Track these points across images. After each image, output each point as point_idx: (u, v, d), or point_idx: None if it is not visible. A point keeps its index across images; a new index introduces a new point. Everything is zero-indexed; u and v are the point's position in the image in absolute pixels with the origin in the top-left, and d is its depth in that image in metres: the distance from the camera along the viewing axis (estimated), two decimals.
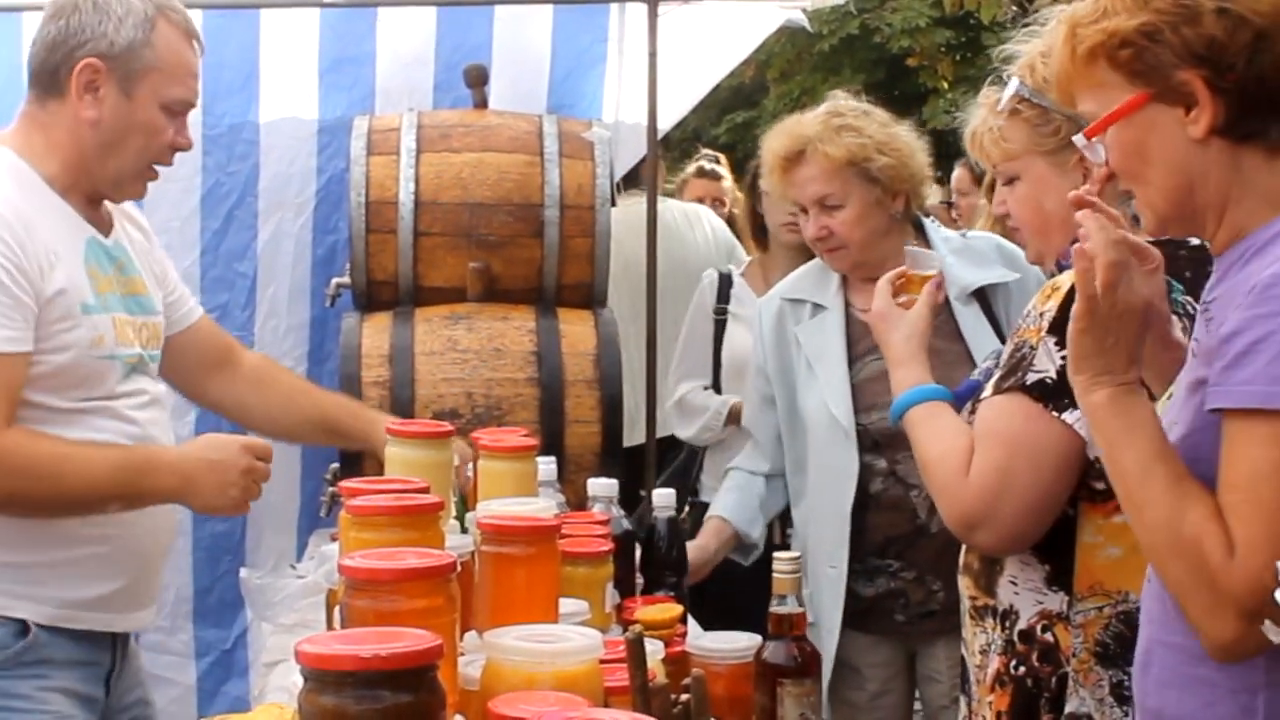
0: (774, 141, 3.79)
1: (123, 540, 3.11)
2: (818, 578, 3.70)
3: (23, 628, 3.00)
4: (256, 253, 5.03)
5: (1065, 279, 2.56)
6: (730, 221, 7.00)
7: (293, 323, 5.06)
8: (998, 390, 2.58)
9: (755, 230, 5.15)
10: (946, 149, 6.24)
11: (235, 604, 4.98)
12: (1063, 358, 2.47)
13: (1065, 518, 2.56)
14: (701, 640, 2.61)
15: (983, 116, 2.87)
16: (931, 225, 3.93)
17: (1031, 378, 2.53)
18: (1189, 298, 2.51)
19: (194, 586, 5.04)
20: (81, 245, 3.07)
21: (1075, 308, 2.14)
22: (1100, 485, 2.48)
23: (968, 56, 19.35)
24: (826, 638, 3.66)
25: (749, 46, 5.50)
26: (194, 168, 4.99)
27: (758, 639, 2.58)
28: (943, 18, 16.94)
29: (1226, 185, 2.09)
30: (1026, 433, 2.53)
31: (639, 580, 3.13)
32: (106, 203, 3.22)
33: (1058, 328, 2.50)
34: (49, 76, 3.09)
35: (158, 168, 3.22)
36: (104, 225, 3.18)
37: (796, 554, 2.62)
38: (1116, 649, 2.52)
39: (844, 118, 3.75)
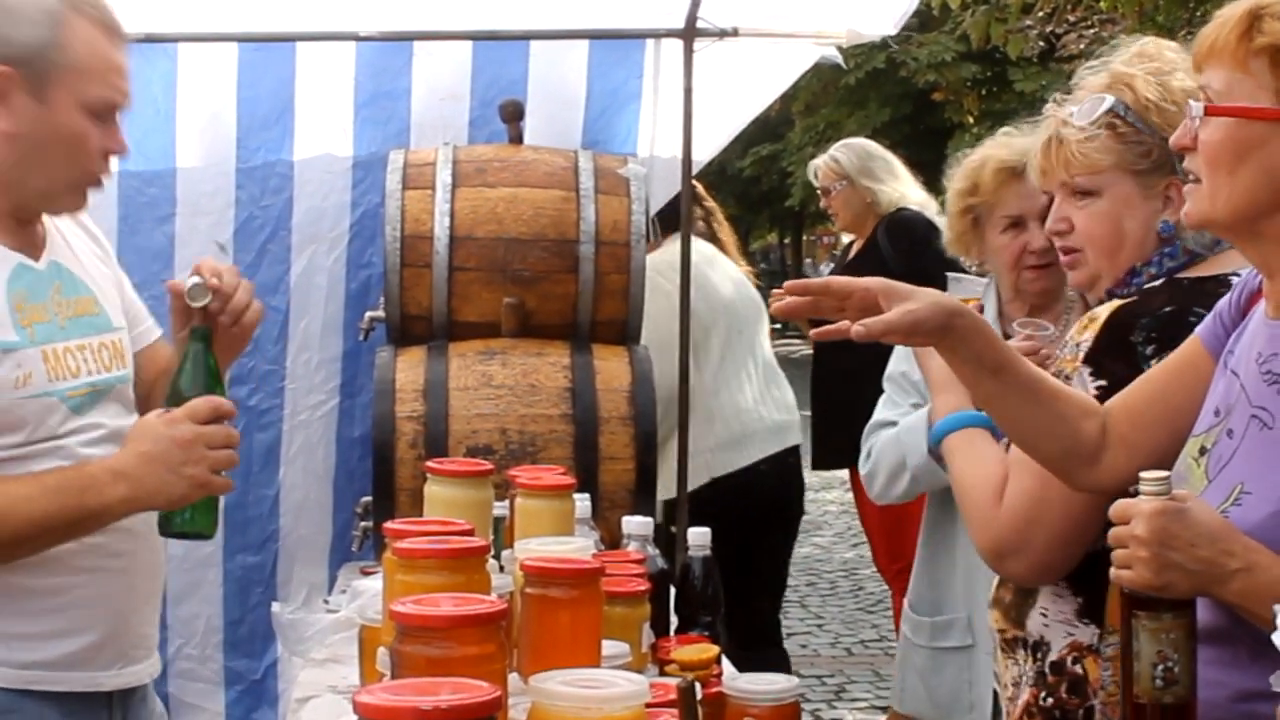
0: None
1: (87, 590, 2.84)
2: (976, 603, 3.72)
3: None
4: (289, 286, 5.03)
5: (1103, 311, 2.58)
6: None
7: (325, 356, 5.06)
8: None
9: None
10: None
11: (267, 635, 4.97)
12: (1098, 387, 2.50)
13: (1099, 550, 2.51)
14: (738, 681, 2.59)
15: (1059, 125, 2.79)
16: None
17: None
18: None
19: (224, 618, 5.04)
20: (4, 275, 2.78)
21: None
22: None
23: (994, 91, 19.41)
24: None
25: (784, 83, 5.48)
26: (227, 201, 5.01)
27: (795, 680, 2.55)
28: (969, 52, 16.97)
29: None
30: None
31: (673, 620, 3.12)
32: (44, 219, 2.93)
33: (1093, 358, 2.53)
34: None
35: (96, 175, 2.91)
36: (35, 247, 2.88)
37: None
38: None
39: None
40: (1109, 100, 2.69)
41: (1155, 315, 2.53)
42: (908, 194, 6.57)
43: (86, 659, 2.86)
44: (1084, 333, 2.59)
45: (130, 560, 2.89)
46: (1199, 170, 2.19)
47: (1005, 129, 3.77)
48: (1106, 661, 2.57)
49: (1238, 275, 2.54)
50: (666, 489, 5.58)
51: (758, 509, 6.04)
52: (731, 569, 5.92)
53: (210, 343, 2.82)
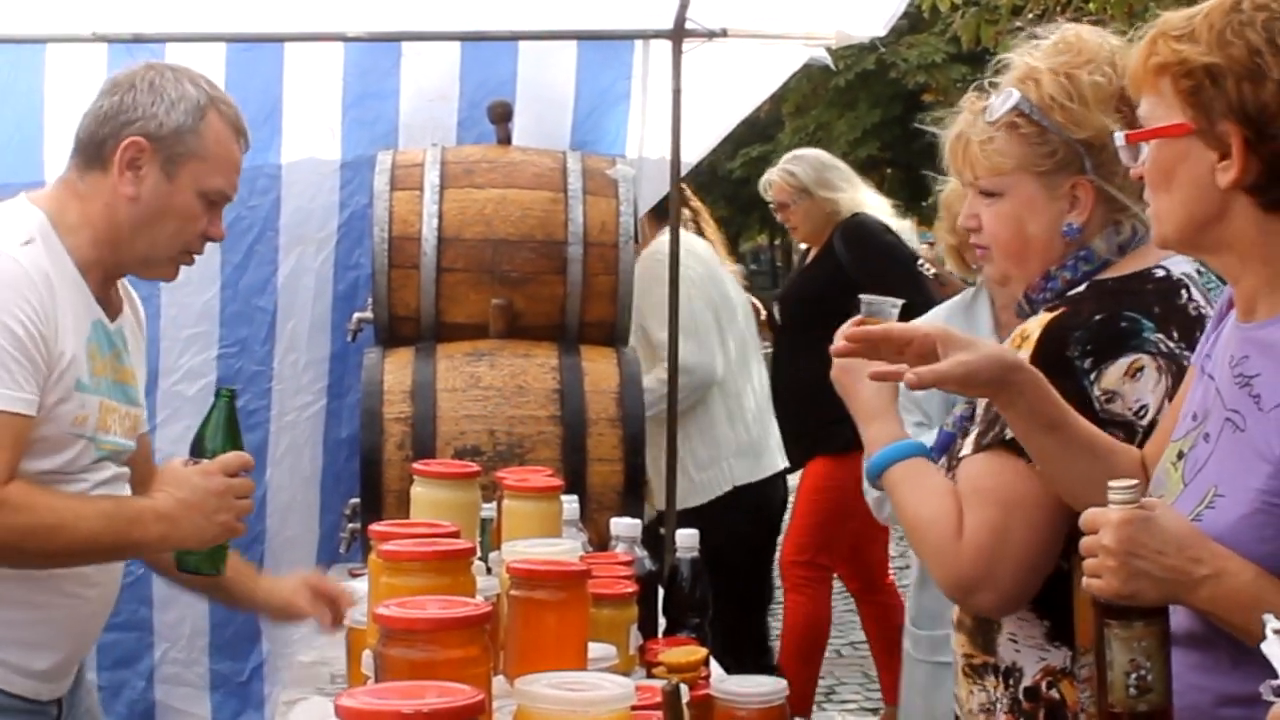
0: None
1: (61, 613, 3.08)
2: None
3: None
4: (277, 287, 5.03)
5: (1034, 326, 2.51)
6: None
7: (312, 357, 5.05)
8: (979, 447, 2.51)
9: None
10: None
11: (252, 637, 4.97)
12: None
13: (1060, 572, 2.49)
14: (726, 684, 2.58)
15: (969, 122, 2.72)
16: None
17: (1012, 432, 2.44)
18: (1161, 335, 2.46)
19: (210, 620, 5.02)
20: (87, 324, 3.06)
21: None
22: None
23: None
24: None
25: (773, 84, 5.50)
26: None
27: (783, 683, 2.54)
28: (959, 53, 16.97)
29: (1250, 242, 2.13)
30: (1018, 490, 2.46)
31: (661, 622, 3.11)
32: (120, 285, 3.24)
33: None
34: (94, 149, 3.11)
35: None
36: (112, 309, 3.18)
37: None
38: None
39: None
40: (1015, 97, 2.62)
41: (1087, 326, 2.47)
42: (865, 200, 6.51)
43: (44, 674, 3.07)
44: (1019, 351, 2.49)
45: (100, 591, 3.15)
46: (1149, 197, 2.23)
47: None
48: (1082, 683, 2.50)
49: (1161, 268, 2.54)
50: (682, 497, 5.55)
51: (769, 523, 6.04)
52: (751, 583, 5.92)
53: (235, 403, 3.05)
